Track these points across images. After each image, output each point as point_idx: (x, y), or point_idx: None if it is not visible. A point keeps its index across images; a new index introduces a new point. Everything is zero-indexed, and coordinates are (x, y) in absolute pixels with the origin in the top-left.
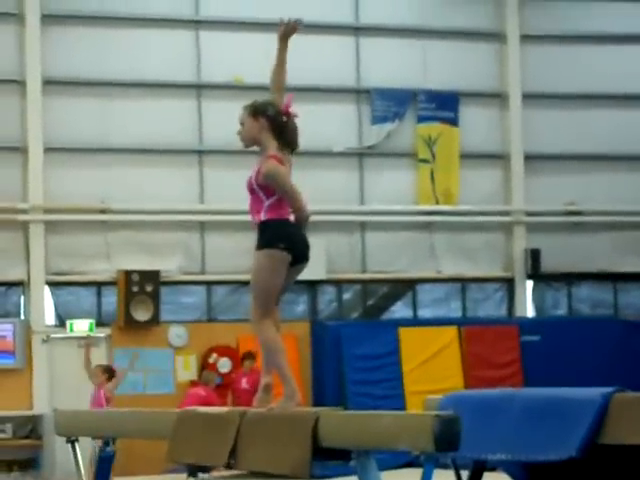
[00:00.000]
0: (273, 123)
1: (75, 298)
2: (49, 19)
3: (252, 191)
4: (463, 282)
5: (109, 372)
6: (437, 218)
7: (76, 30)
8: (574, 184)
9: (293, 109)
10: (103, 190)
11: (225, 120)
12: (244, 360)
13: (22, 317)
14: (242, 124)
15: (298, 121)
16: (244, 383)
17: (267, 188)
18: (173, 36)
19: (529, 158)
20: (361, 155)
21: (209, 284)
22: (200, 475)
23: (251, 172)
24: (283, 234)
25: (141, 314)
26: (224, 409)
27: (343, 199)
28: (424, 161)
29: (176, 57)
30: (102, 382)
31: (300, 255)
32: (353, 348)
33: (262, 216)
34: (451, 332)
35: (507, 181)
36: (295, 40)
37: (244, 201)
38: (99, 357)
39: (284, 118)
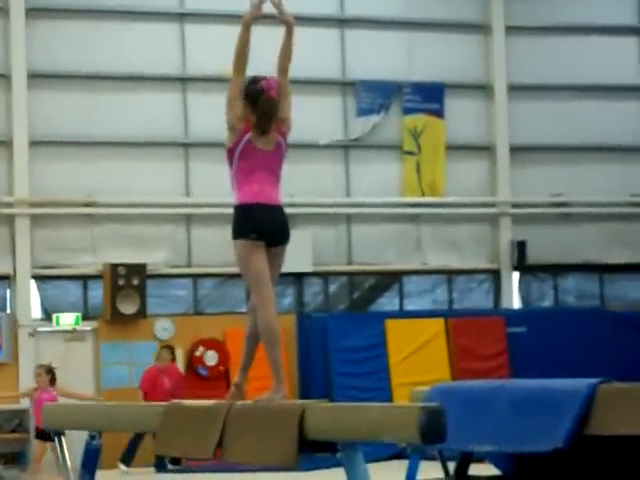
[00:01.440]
0: (251, 102)
1: (61, 292)
2: (34, 12)
3: (227, 161)
4: (449, 274)
5: (51, 373)
6: (423, 210)
7: (61, 23)
8: (560, 175)
9: (271, 88)
10: (89, 183)
11: (211, 113)
12: (162, 351)
13: (8, 311)
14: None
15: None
16: (166, 382)
17: (231, 158)
18: (158, 29)
19: (515, 149)
20: (347, 147)
21: (195, 277)
22: (170, 467)
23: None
24: (251, 222)
25: (127, 307)
26: (211, 402)
27: (329, 191)
28: (410, 153)
29: (161, 50)
30: (44, 383)
31: (274, 240)
32: (340, 340)
33: (234, 198)
34: (438, 324)
35: (493, 173)
36: (280, 32)
37: (230, 194)
38: (86, 351)
39: (262, 101)
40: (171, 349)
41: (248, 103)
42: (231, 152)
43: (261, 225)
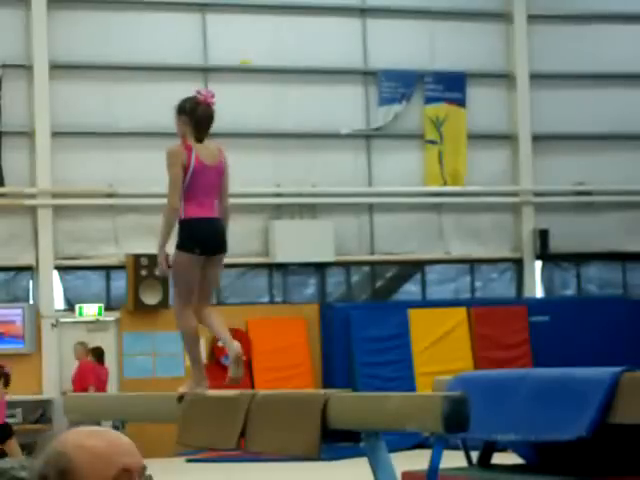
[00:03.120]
0: (190, 117)
1: (84, 282)
2: (55, 3)
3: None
4: (472, 263)
5: (6, 377)
6: (445, 199)
7: (82, 14)
8: (582, 164)
9: (212, 100)
10: (111, 174)
11: (232, 103)
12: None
13: (31, 302)
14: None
15: (306, 103)
16: (104, 375)
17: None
18: (180, 19)
19: (537, 138)
20: (369, 137)
21: None
22: None
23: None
24: (193, 236)
25: (150, 298)
26: (233, 392)
27: (351, 181)
28: (432, 142)
29: (183, 40)
30: None
31: (212, 251)
32: (362, 330)
33: (181, 213)
34: (460, 313)
35: (515, 161)
36: (303, 22)
37: (252, 184)
38: (108, 341)
39: (197, 110)
40: (84, 344)
41: (186, 116)
42: (185, 171)
43: (204, 239)
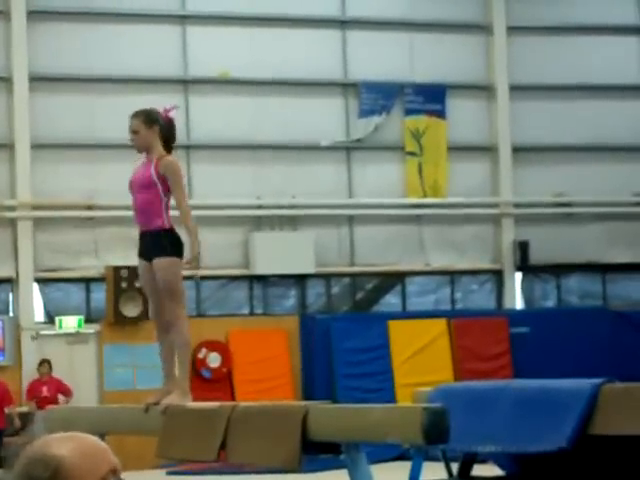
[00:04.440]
0: (163, 130)
1: (64, 294)
2: (35, 15)
3: (149, 185)
4: (452, 274)
5: None
6: (425, 211)
7: (62, 26)
8: (562, 175)
9: (173, 115)
10: (90, 186)
11: (212, 115)
12: (39, 367)
13: (11, 314)
14: (135, 131)
15: (286, 114)
16: (45, 391)
17: (165, 183)
18: (160, 31)
19: (517, 150)
20: (349, 149)
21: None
22: None
23: (138, 172)
24: (180, 243)
25: (130, 310)
26: (214, 404)
27: (331, 193)
28: (412, 154)
29: (163, 52)
30: None
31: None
32: (343, 341)
33: (164, 223)
34: (440, 324)
35: (495, 173)
36: (283, 34)
37: (232, 196)
38: (89, 353)
39: (168, 125)
40: (48, 362)
41: (158, 127)
42: (165, 181)
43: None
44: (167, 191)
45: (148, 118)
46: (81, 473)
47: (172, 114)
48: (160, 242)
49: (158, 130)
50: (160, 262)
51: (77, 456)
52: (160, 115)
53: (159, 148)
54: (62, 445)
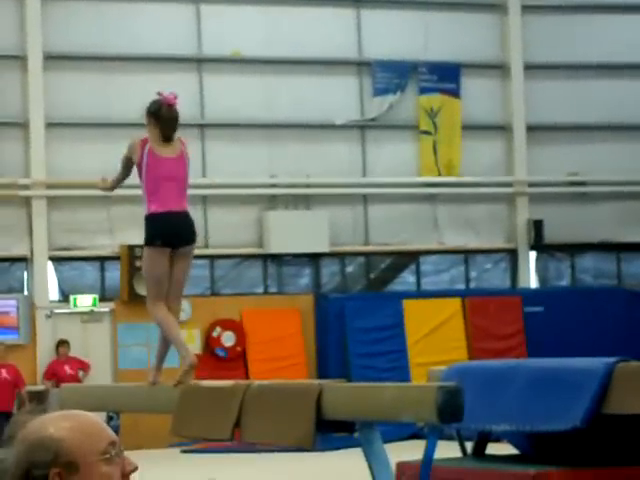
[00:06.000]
0: (153, 118)
1: (78, 273)
2: None
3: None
4: (466, 253)
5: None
6: (440, 190)
7: (77, 5)
8: (577, 154)
9: (173, 100)
10: (105, 165)
11: (226, 93)
12: (59, 347)
13: (26, 293)
14: None
15: (300, 93)
16: (68, 369)
17: (140, 171)
18: (174, 10)
19: (531, 129)
20: (363, 127)
21: (212, 258)
22: None
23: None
24: (154, 230)
25: (144, 289)
26: (228, 382)
27: (345, 172)
28: (426, 133)
29: (177, 31)
30: None
31: (176, 243)
32: (357, 321)
33: (145, 209)
34: (455, 304)
35: (509, 152)
36: (297, 13)
37: (246, 174)
38: (103, 332)
39: (160, 110)
40: (67, 343)
41: (152, 119)
42: (139, 167)
43: (166, 231)
44: (140, 178)
45: (146, 110)
46: (82, 452)
47: (171, 100)
48: (144, 229)
49: (151, 120)
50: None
51: (76, 435)
52: (156, 105)
53: (153, 135)
54: (59, 425)
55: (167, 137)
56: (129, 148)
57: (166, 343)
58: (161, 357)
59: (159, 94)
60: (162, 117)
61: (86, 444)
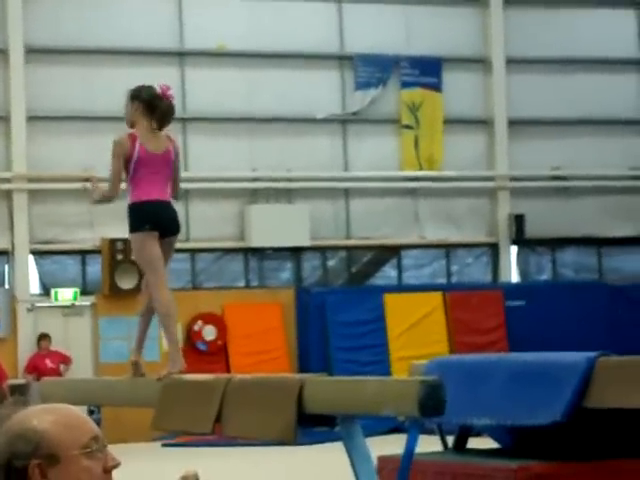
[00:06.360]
0: (145, 105)
1: (59, 267)
2: None
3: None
4: (447, 247)
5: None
6: (421, 184)
7: None
8: (558, 149)
9: (170, 92)
10: (86, 158)
11: (208, 87)
12: (40, 341)
13: (6, 286)
14: (126, 106)
15: (282, 87)
16: (49, 363)
17: (126, 161)
18: (156, 3)
19: (513, 123)
20: (344, 121)
21: (193, 251)
22: None
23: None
24: (142, 215)
25: (126, 282)
26: (209, 376)
27: (327, 166)
28: (408, 127)
29: (159, 24)
30: None
31: (162, 230)
32: (338, 315)
33: (129, 198)
34: (436, 298)
35: (491, 146)
36: (279, 6)
37: (228, 168)
38: (84, 326)
39: (157, 101)
40: (48, 336)
41: (143, 105)
42: (127, 163)
43: (154, 217)
44: (127, 173)
45: (131, 93)
46: (63, 445)
47: (167, 92)
48: (128, 218)
49: (141, 106)
50: (130, 238)
51: (58, 428)
52: (150, 93)
53: (143, 124)
54: (42, 418)
55: (160, 129)
56: (119, 148)
57: (147, 322)
58: (143, 337)
59: (158, 86)
60: (160, 109)
61: (68, 437)
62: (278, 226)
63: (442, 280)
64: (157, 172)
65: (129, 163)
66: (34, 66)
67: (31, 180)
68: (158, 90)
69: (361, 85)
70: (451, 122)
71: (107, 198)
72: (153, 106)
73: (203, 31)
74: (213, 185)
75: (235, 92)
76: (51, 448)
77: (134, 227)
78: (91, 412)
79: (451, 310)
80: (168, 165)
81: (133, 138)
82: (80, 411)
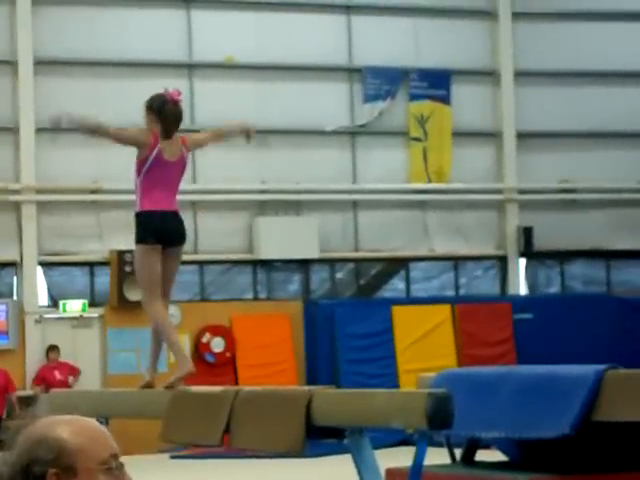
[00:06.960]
0: (157, 113)
1: (68, 278)
2: None
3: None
4: (456, 260)
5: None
6: (430, 196)
7: (67, 10)
8: (567, 161)
9: (179, 97)
10: (95, 170)
11: (216, 100)
12: (49, 352)
13: (15, 298)
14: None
15: (291, 100)
16: (58, 375)
17: (138, 166)
18: (165, 15)
19: (521, 136)
20: (353, 134)
21: (202, 263)
22: None
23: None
24: (147, 227)
25: (134, 294)
26: (217, 388)
27: (335, 178)
28: (416, 139)
29: (168, 36)
30: None
31: (167, 241)
32: (346, 327)
33: (137, 206)
34: (444, 310)
35: (500, 159)
36: (288, 19)
37: (236, 180)
38: (92, 337)
39: (165, 107)
40: (57, 348)
41: (152, 113)
42: (141, 164)
43: (159, 229)
44: (139, 174)
45: (146, 104)
46: (82, 457)
47: (175, 97)
48: (135, 227)
49: (154, 117)
50: (135, 248)
51: (80, 439)
52: (159, 100)
53: (159, 132)
54: (65, 428)
55: (168, 135)
56: (142, 134)
57: (159, 341)
58: (156, 356)
59: (165, 90)
60: (166, 113)
61: (88, 450)
62: (287, 238)
63: (450, 292)
64: (168, 180)
65: (144, 162)
66: (43, 78)
67: (40, 192)
68: (167, 96)
69: (370, 97)
70: (460, 135)
71: (93, 132)
72: (160, 112)
73: (212, 43)
74: (222, 197)
75: (244, 104)
76: (70, 459)
77: (139, 238)
78: (100, 423)
79: (459, 323)
80: (181, 172)
81: (155, 138)
82: (103, 427)
